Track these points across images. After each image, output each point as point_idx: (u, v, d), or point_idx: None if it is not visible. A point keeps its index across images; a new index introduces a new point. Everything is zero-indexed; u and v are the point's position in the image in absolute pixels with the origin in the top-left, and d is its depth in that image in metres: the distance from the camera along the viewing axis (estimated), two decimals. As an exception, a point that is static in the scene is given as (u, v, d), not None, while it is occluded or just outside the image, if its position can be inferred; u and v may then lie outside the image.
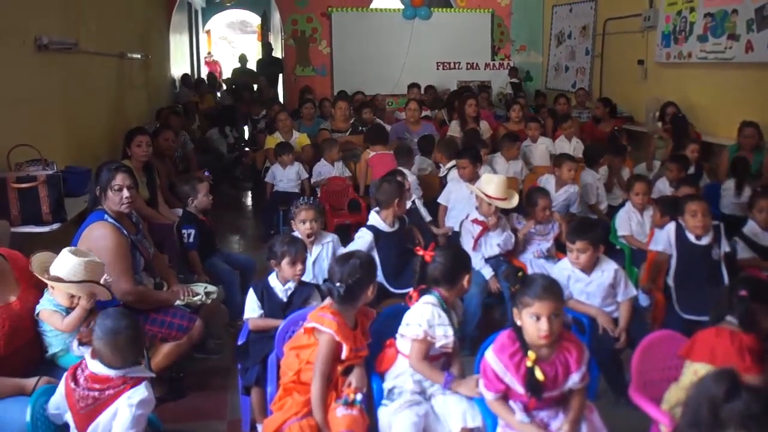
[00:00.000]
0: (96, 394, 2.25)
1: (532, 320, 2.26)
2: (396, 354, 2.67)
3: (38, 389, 2.34)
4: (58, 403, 2.29)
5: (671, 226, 3.83)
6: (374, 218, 3.92)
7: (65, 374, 2.32)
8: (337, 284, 2.56)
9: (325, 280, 2.66)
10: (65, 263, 2.65)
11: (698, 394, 1.72)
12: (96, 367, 2.27)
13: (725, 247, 3.78)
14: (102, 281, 2.71)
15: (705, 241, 3.70)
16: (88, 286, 2.65)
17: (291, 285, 3.13)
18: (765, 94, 5.99)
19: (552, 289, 2.29)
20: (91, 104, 5.74)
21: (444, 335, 2.58)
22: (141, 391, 2.27)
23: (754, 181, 5.55)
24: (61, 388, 2.30)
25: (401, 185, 3.97)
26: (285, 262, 3.09)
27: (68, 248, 2.74)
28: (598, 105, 7.89)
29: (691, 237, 3.72)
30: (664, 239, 3.85)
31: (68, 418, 2.27)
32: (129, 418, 2.22)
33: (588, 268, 3.40)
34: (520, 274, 2.44)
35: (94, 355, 2.28)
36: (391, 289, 3.77)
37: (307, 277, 3.37)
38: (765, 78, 6.02)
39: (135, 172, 3.65)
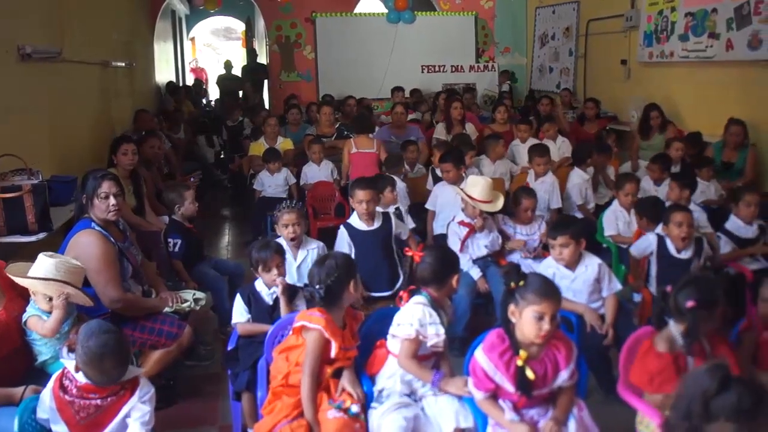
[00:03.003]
0: (98, 401, 2.22)
1: (534, 318, 2.27)
2: (386, 355, 2.68)
3: (26, 399, 2.32)
4: (46, 414, 2.24)
5: (653, 239, 3.79)
6: (353, 217, 3.95)
7: (50, 386, 2.27)
8: (317, 287, 2.58)
9: (305, 285, 2.67)
10: (38, 264, 2.67)
11: (690, 387, 1.74)
12: (85, 379, 2.23)
13: (703, 259, 3.73)
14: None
15: (686, 255, 3.66)
16: (57, 285, 2.64)
17: (276, 289, 3.14)
18: (745, 92, 6.06)
19: (556, 291, 2.35)
20: (76, 113, 5.70)
21: (436, 334, 2.59)
22: (146, 405, 2.27)
23: (737, 178, 5.64)
24: (49, 401, 2.24)
25: (356, 184, 3.91)
26: (260, 269, 3.12)
27: (44, 252, 2.74)
28: (589, 105, 7.91)
29: (672, 250, 3.68)
30: (642, 248, 3.86)
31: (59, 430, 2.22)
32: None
33: (572, 264, 3.43)
34: (521, 271, 2.45)
35: (79, 369, 2.22)
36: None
37: (291, 281, 3.37)
38: (745, 76, 6.09)
39: (121, 180, 3.63)
